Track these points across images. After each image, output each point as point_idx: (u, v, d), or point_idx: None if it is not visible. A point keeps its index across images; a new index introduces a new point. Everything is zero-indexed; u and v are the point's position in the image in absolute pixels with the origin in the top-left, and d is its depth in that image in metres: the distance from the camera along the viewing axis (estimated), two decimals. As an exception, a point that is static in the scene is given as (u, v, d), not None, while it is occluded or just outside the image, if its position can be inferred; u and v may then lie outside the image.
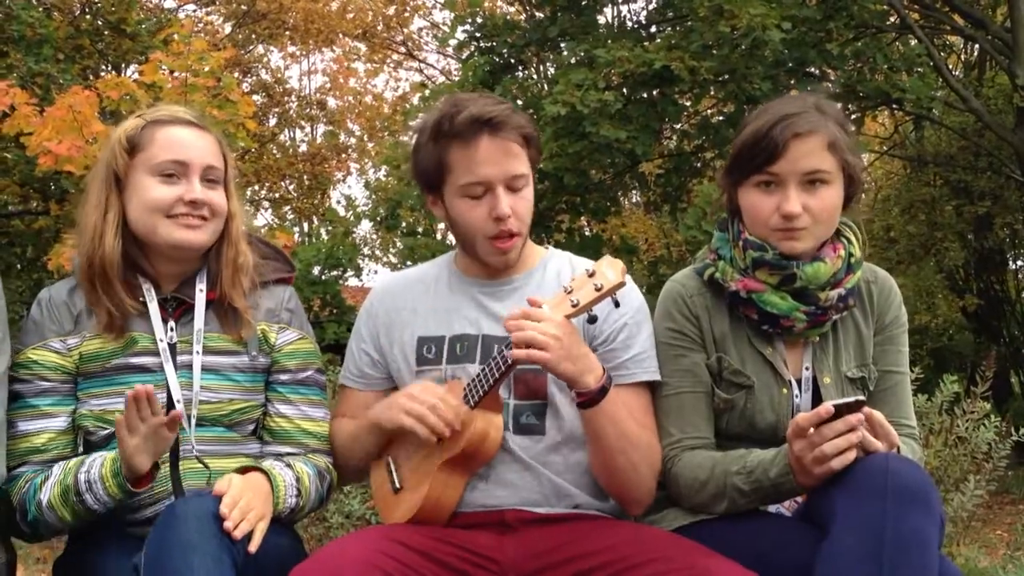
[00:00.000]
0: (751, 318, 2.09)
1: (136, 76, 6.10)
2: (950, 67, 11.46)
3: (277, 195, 19.65)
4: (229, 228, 2.11)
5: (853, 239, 2.13)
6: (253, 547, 1.78)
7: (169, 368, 2.03)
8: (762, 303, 2.05)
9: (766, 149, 1.99)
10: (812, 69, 8.75)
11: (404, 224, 10.94)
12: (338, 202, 20.12)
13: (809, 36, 8.11)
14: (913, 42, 9.14)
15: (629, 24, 10.54)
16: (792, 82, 8.66)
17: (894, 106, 9.45)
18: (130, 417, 1.82)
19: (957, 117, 10.76)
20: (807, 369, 2.10)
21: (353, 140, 20.82)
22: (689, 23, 8.63)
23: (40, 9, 9.59)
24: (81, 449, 2.05)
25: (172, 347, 2.06)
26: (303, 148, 20.39)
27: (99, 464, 1.91)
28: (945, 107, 10.07)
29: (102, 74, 10.83)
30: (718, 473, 1.99)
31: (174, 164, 2.04)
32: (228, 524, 1.73)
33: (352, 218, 13.78)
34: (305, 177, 19.56)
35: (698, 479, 2.01)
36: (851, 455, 1.77)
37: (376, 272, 19.12)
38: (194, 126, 2.11)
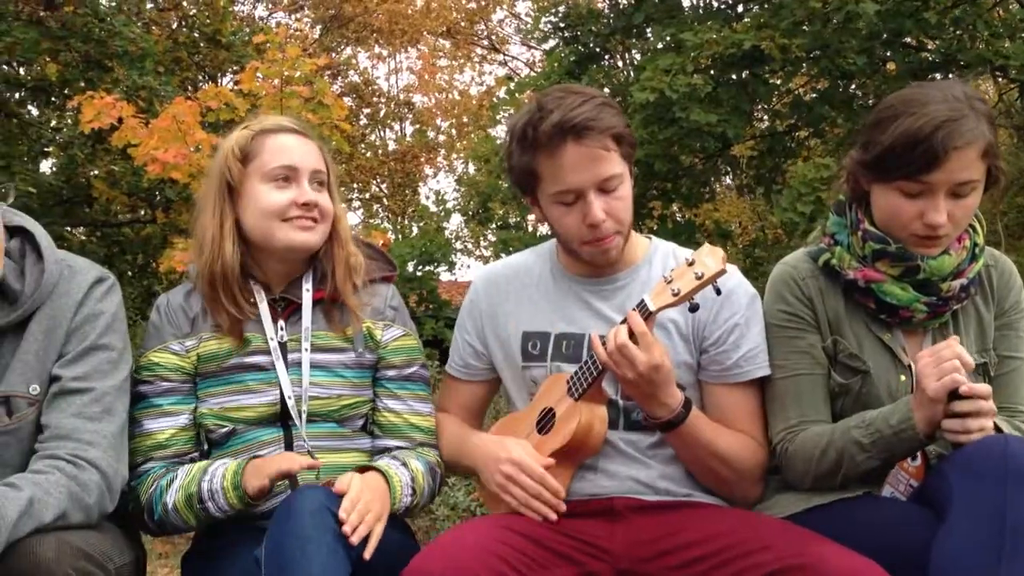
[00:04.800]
0: (868, 307, 2.04)
1: (233, 85, 6.28)
2: (1057, 30, 10.92)
3: (368, 194, 19.99)
4: (337, 230, 2.17)
5: (978, 227, 2.05)
6: (368, 553, 1.82)
7: (280, 366, 2.10)
8: (882, 293, 2.00)
9: (923, 158, 1.86)
10: (908, 40, 8.48)
11: (496, 217, 11.01)
12: (427, 198, 20.35)
13: (904, 6, 7.85)
14: (1014, 6, 8.75)
15: (715, 5, 10.37)
16: (888, 54, 8.41)
17: (997, 74, 9.07)
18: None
19: (1066, 82, 10.26)
20: None
21: (442, 137, 21.04)
22: (777, 0, 8.45)
23: (140, 24, 9.95)
24: (205, 446, 2.14)
25: (283, 345, 2.13)
26: (392, 147, 20.69)
27: (220, 474, 1.99)
28: (1053, 72, 9.60)
29: (200, 85, 11.19)
30: (837, 435, 1.95)
31: (285, 169, 2.11)
32: (347, 528, 1.79)
33: (443, 213, 13.94)
34: (396, 175, 19.86)
35: (818, 447, 1.97)
36: (957, 380, 1.77)
37: (469, 267, 19.30)
38: (298, 133, 2.18)
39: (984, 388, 1.80)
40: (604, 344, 1.92)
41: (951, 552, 1.70)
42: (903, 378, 2.02)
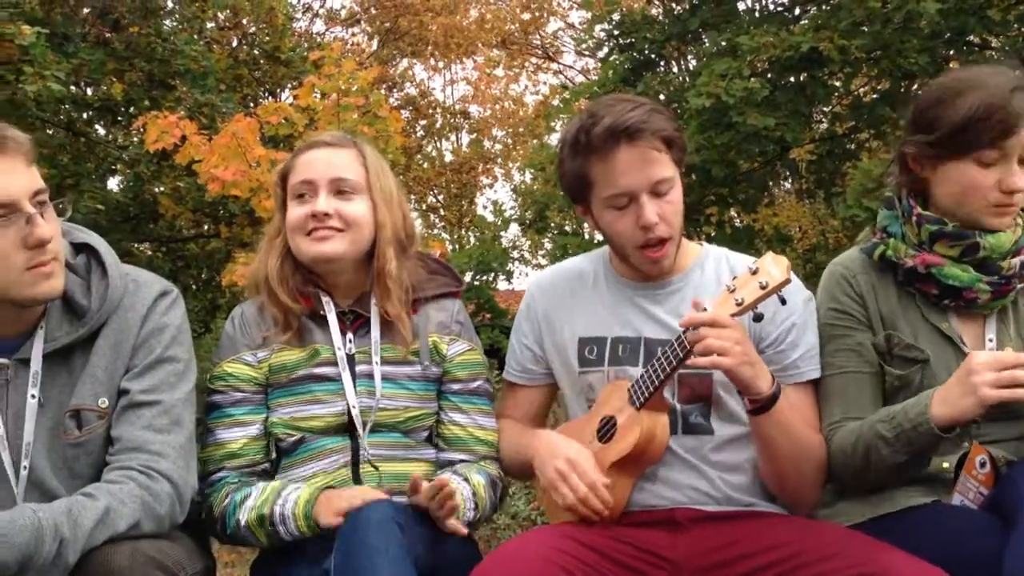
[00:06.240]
0: (930, 294, 2.02)
1: (292, 100, 6.39)
2: None
3: (425, 206, 20.15)
4: (379, 238, 2.17)
5: None
6: (455, 525, 1.91)
7: (346, 377, 2.13)
8: (943, 277, 1.99)
9: (1002, 124, 1.89)
10: (972, 38, 8.29)
11: (552, 225, 11.01)
12: (485, 207, 20.47)
13: (968, 3, 7.67)
14: (1085, 0, 8.50)
15: (772, 8, 10.27)
16: (951, 53, 8.24)
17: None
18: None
19: None
20: (991, 341, 2.00)
21: (498, 147, 21.12)
22: (835, 1, 8.33)
23: (202, 43, 10.17)
24: (274, 455, 2.18)
25: (350, 357, 2.15)
26: (449, 158, 20.83)
27: (292, 502, 2.02)
28: (1125, 67, 9.31)
29: (261, 101, 11.40)
30: (866, 429, 1.95)
31: (303, 185, 2.16)
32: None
33: (500, 223, 14.00)
34: (452, 186, 20.00)
35: (849, 443, 1.97)
36: (1018, 395, 1.73)
37: (526, 275, 19.36)
38: (328, 145, 2.20)
39: None
40: (681, 344, 1.88)
41: (1021, 559, 1.65)
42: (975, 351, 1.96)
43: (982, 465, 1.91)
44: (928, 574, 1.69)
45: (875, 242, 2.09)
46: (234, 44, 12.20)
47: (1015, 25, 8.02)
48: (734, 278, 1.91)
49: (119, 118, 10.09)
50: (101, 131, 10.55)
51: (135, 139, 9.57)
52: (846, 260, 2.14)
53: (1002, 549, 1.69)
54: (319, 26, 18.49)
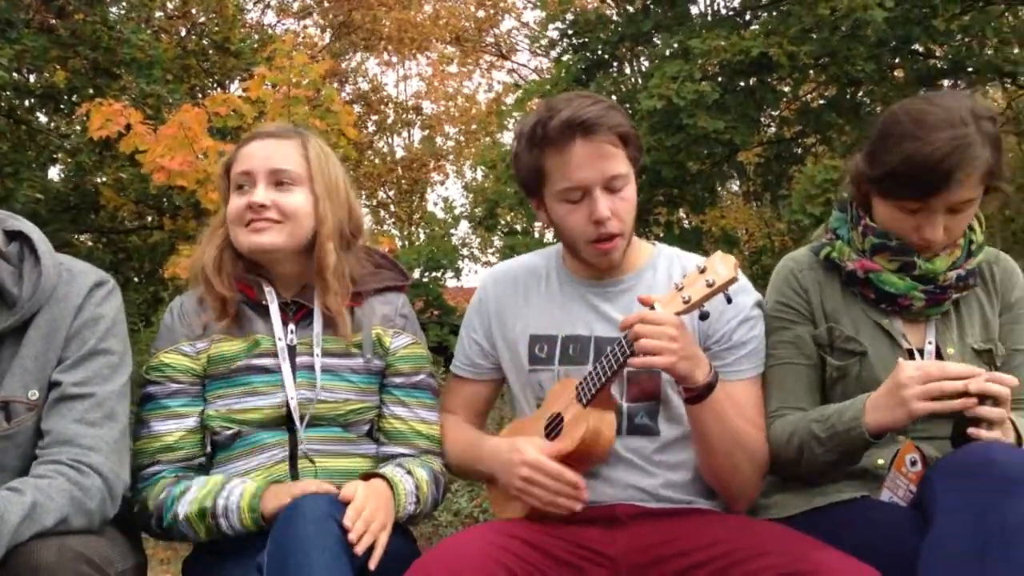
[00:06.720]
0: (868, 297, 2.07)
1: (241, 92, 6.29)
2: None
3: (375, 201, 20.03)
4: (319, 232, 2.13)
5: (976, 226, 2.09)
6: (373, 563, 1.82)
7: (286, 368, 2.10)
8: (879, 283, 2.04)
9: (926, 185, 1.89)
10: (917, 47, 8.47)
11: (503, 223, 11.01)
12: (436, 204, 20.39)
13: (913, 13, 7.84)
14: (1025, 12, 8.73)
15: (724, 12, 10.38)
16: (896, 60, 8.41)
17: (1006, 80, 9.05)
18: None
19: (1075, 89, 10.22)
20: (930, 344, 2.05)
21: (450, 143, 21.06)
22: (785, 8, 8.45)
23: (149, 32, 9.99)
24: (209, 448, 2.13)
25: (291, 348, 2.12)
26: (400, 154, 20.72)
27: (238, 494, 1.98)
28: (1062, 79, 9.57)
29: (209, 92, 11.22)
30: (802, 424, 1.99)
31: (242, 176, 2.13)
32: (352, 536, 1.78)
33: (450, 220, 13.96)
34: (403, 182, 19.90)
35: (785, 432, 2.02)
36: (944, 406, 1.79)
37: (476, 272, 19.34)
38: (271, 136, 2.18)
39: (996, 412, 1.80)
40: (629, 343, 1.89)
41: (935, 556, 1.69)
42: (901, 360, 2.01)
43: (913, 463, 1.94)
44: (858, 572, 1.71)
45: (824, 242, 2.14)
46: (183, 34, 12.01)
47: (958, 35, 8.20)
48: (683, 276, 1.93)
49: (61, 106, 9.89)
50: (43, 119, 10.33)
51: (77, 128, 9.38)
52: (796, 256, 2.20)
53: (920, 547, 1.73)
54: (270, 17, 18.29)
